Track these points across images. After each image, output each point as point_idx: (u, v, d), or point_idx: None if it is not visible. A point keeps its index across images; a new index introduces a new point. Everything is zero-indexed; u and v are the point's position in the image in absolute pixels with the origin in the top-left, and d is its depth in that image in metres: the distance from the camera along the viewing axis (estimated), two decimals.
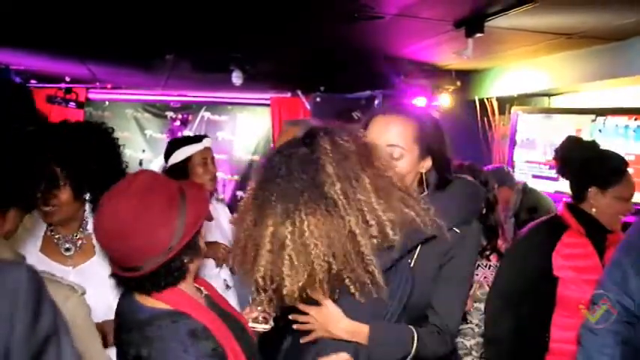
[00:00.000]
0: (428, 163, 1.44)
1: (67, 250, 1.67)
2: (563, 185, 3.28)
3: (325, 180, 1.19)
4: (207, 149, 2.57)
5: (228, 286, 2.56)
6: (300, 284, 1.18)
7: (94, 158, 1.66)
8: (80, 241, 1.69)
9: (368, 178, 1.22)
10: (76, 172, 1.61)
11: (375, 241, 1.20)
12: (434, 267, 1.40)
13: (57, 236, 1.67)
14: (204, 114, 6.60)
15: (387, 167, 1.28)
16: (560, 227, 2.01)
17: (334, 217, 1.18)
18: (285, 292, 1.19)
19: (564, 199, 2.11)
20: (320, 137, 1.24)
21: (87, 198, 1.69)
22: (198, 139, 2.60)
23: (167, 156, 2.54)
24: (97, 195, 1.66)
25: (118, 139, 1.80)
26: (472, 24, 2.59)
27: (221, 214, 2.59)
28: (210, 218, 2.08)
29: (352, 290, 1.23)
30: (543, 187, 3.41)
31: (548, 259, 1.94)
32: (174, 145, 2.57)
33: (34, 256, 1.57)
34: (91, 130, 1.74)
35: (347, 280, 1.22)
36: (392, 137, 1.39)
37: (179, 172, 2.44)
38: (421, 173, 1.45)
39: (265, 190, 1.22)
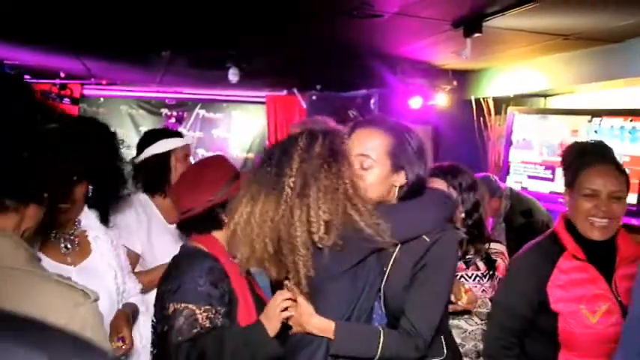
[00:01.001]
0: (402, 178, 1.49)
1: (66, 248, 1.64)
2: (559, 186, 3.31)
3: (287, 172, 1.39)
4: (189, 145, 2.53)
5: None
6: (245, 257, 1.43)
7: (110, 156, 1.71)
8: (77, 239, 1.68)
9: (325, 180, 1.38)
10: (93, 170, 1.63)
11: (315, 237, 1.35)
12: (405, 278, 1.45)
13: (53, 234, 1.64)
14: (200, 111, 6.58)
15: (348, 176, 1.39)
16: (556, 248, 1.68)
17: (281, 205, 1.38)
18: (237, 260, 1.50)
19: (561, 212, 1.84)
20: (302, 137, 1.44)
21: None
22: (179, 133, 2.54)
23: (145, 145, 2.40)
24: (97, 193, 1.68)
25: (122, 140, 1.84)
26: (470, 24, 2.60)
27: None
28: None
29: (291, 276, 1.42)
30: (539, 187, 3.43)
31: (543, 290, 1.64)
32: (153, 135, 2.46)
33: None
34: (101, 128, 1.77)
35: (288, 265, 1.40)
36: (364, 148, 1.47)
37: (158, 163, 2.36)
38: (395, 187, 1.49)
39: (254, 172, 1.49)
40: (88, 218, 1.73)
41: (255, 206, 1.40)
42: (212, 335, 1.44)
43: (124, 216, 2.27)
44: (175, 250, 2.18)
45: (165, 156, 2.38)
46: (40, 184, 1.04)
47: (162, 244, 2.27)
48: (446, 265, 1.48)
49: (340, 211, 1.36)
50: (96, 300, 1.00)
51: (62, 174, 1.12)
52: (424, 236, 1.45)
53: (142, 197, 2.39)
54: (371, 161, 1.46)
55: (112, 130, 1.82)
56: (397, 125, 1.55)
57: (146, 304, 1.95)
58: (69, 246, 1.65)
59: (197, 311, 1.45)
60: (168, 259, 2.22)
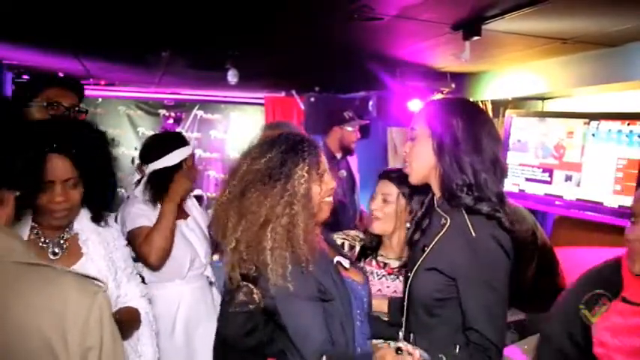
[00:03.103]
0: None
1: (55, 254, 1.59)
2: (554, 188, 3.33)
3: (235, 174, 1.51)
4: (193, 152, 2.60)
5: (211, 283, 2.57)
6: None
7: (105, 158, 1.65)
8: (67, 244, 1.63)
9: (250, 199, 1.46)
10: (90, 172, 1.57)
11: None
12: (443, 262, 1.47)
13: (42, 239, 1.59)
14: (198, 112, 6.59)
15: (285, 201, 1.45)
16: (618, 281, 1.41)
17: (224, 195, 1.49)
18: None
19: None
20: (261, 145, 1.56)
21: None
22: (186, 140, 2.57)
23: (156, 152, 2.43)
24: (86, 194, 1.60)
25: (113, 139, 1.77)
26: (470, 27, 2.60)
27: (193, 209, 2.59)
28: (185, 216, 2.51)
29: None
30: (536, 190, 3.45)
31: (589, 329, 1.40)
32: (164, 142, 2.49)
33: None
34: (96, 130, 1.71)
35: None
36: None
37: (172, 175, 2.39)
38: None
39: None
40: (81, 220, 1.68)
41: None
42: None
43: (139, 207, 2.32)
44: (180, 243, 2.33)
45: (179, 166, 2.42)
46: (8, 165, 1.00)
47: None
48: (491, 261, 1.43)
49: (254, 233, 1.43)
50: (105, 290, 1.01)
51: (33, 161, 1.07)
52: (470, 227, 1.44)
53: (140, 197, 2.40)
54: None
55: (102, 129, 1.75)
56: None
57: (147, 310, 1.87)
58: (57, 251, 1.59)
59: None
60: (174, 252, 2.31)
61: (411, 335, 1.53)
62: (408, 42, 3.13)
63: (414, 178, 1.59)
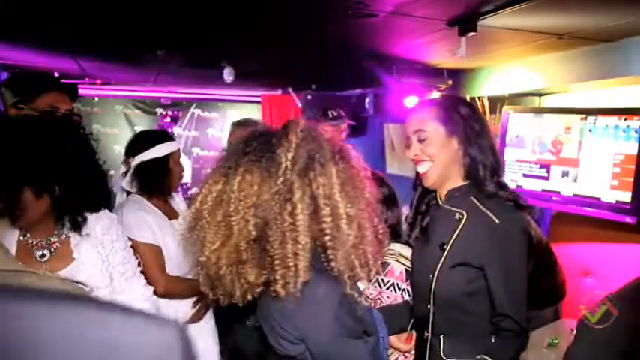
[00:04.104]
0: None
1: (42, 256, 1.54)
2: (552, 184, 3.32)
3: (282, 144, 1.07)
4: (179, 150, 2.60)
5: None
6: (215, 247, 1.05)
7: (60, 154, 1.49)
8: (55, 245, 1.57)
9: (335, 168, 1.09)
10: (37, 171, 1.45)
11: (325, 227, 1.05)
12: (468, 257, 1.49)
13: (30, 241, 1.54)
14: (195, 111, 6.59)
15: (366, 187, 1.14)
16: None
17: (273, 179, 1.04)
18: (203, 259, 1.06)
19: None
20: (295, 123, 1.15)
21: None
22: (171, 136, 2.59)
23: (141, 147, 2.42)
24: (64, 198, 1.51)
25: (87, 131, 1.65)
26: (465, 23, 2.60)
27: (180, 205, 2.61)
28: (176, 215, 2.48)
29: (276, 281, 1.05)
30: (533, 185, 3.45)
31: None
32: (150, 137, 2.50)
33: None
34: (54, 124, 1.58)
35: (274, 261, 1.04)
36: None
37: (160, 166, 2.40)
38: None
39: (222, 155, 1.16)
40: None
41: (230, 182, 1.06)
42: None
43: (138, 214, 2.31)
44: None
45: (166, 159, 2.42)
46: None
47: (169, 240, 2.34)
48: (516, 245, 1.48)
49: (363, 207, 1.08)
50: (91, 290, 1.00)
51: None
52: (491, 215, 1.47)
53: (137, 198, 2.40)
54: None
55: (85, 130, 1.63)
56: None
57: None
58: (45, 253, 1.54)
59: None
60: (174, 254, 2.27)
61: (441, 337, 1.54)
62: (404, 39, 3.12)
63: (436, 179, 1.59)
